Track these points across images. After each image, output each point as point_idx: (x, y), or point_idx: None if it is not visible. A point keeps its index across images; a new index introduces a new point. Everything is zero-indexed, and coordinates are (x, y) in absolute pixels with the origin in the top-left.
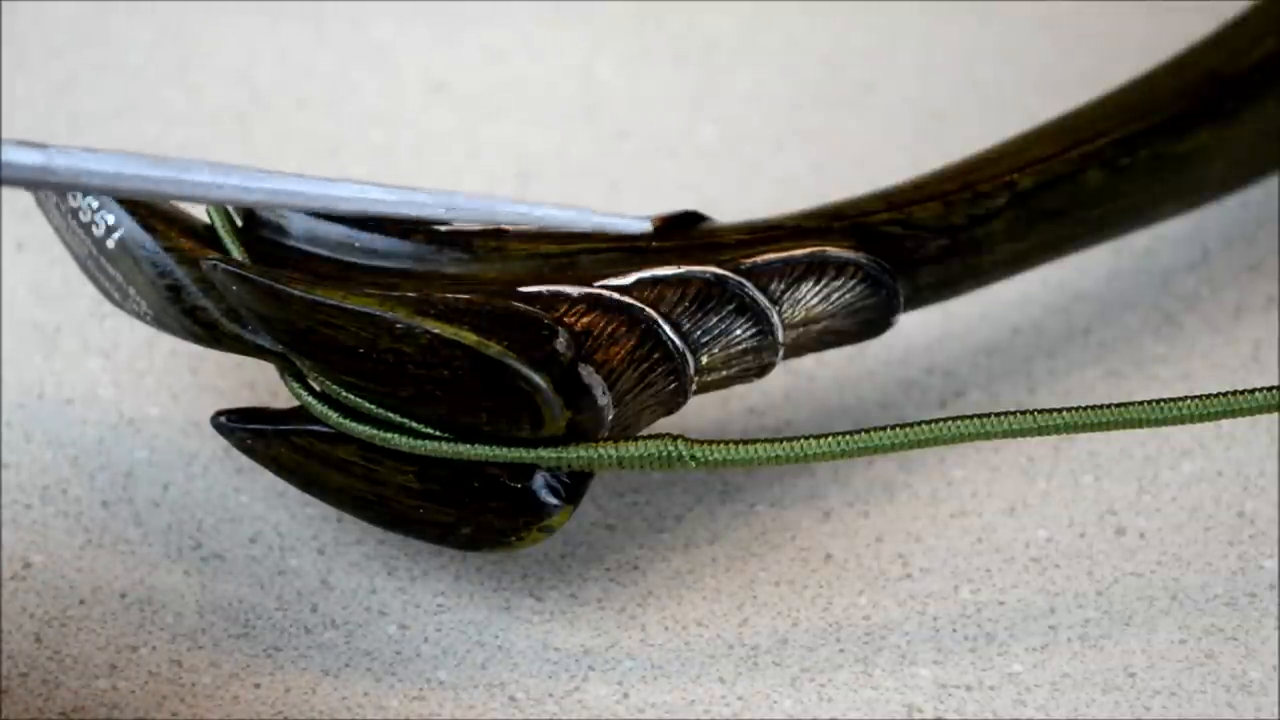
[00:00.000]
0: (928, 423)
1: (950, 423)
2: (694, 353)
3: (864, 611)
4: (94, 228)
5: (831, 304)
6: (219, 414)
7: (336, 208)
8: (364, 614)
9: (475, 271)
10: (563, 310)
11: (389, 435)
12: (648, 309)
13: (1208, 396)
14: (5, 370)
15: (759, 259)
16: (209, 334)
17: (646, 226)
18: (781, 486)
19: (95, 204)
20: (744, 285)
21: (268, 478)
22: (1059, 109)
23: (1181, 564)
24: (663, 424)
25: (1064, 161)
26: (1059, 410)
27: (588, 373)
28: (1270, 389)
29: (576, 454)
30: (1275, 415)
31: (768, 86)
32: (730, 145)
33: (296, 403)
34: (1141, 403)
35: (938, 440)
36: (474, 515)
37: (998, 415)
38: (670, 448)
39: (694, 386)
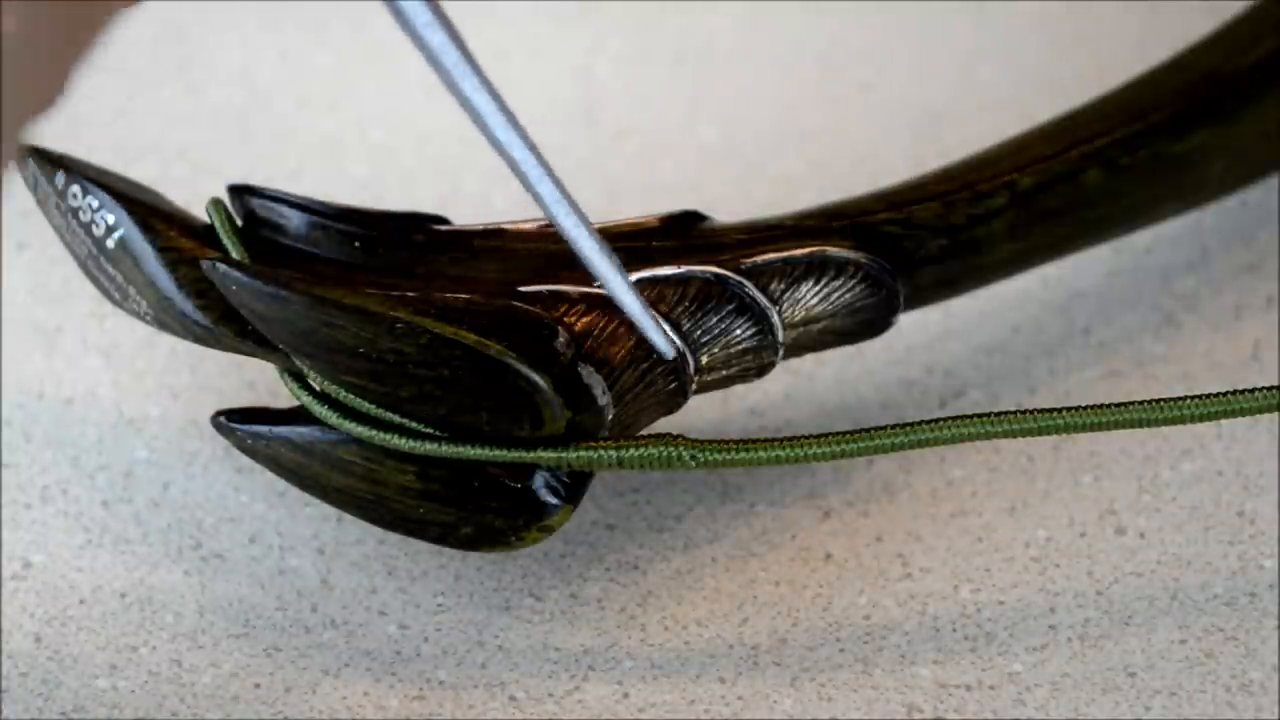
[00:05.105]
0: (928, 423)
1: (950, 423)
2: (694, 352)
3: (864, 611)
4: (94, 228)
5: (831, 304)
6: (219, 414)
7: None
8: (364, 614)
9: (475, 271)
10: (563, 310)
11: (389, 435)
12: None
13: (1208, 396)
14: (5, 370)
15: (759, 259)
16: (209, 334)
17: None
18: (781, 486)
19: (95, 204)
20: (744, 285)
21: (268, 478)
22: (1059, 109)
23: (1181, 564)
24: (663, 424)
25: (1064, 161)
26: (1059, 410)
27: (588, 372)
28: (1270, 389)
29: (576, 454)
30: (1275, 415)
31: (768, 86)
32: (730, 145)
33: (296, 403)
34: (1141, 403)
35: (938, 440)
36: (474, 515)
37: (998, 415)
38: (670, 448)
39: (694, 386)
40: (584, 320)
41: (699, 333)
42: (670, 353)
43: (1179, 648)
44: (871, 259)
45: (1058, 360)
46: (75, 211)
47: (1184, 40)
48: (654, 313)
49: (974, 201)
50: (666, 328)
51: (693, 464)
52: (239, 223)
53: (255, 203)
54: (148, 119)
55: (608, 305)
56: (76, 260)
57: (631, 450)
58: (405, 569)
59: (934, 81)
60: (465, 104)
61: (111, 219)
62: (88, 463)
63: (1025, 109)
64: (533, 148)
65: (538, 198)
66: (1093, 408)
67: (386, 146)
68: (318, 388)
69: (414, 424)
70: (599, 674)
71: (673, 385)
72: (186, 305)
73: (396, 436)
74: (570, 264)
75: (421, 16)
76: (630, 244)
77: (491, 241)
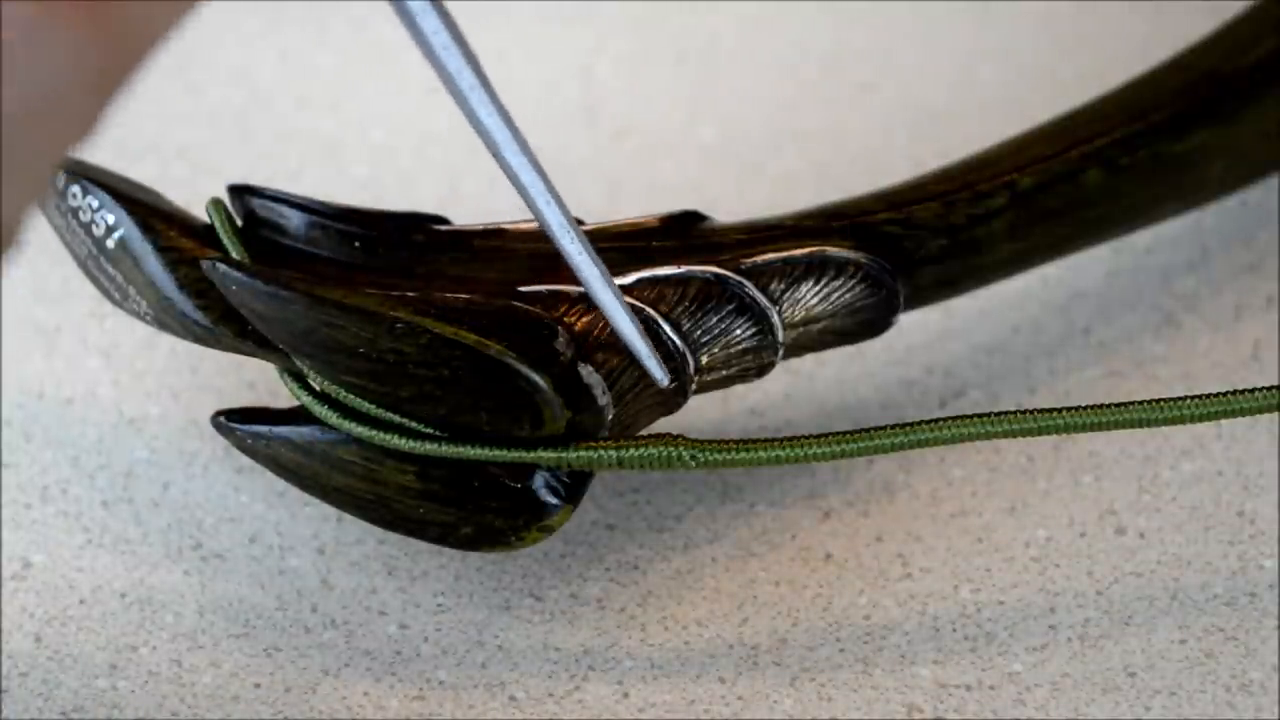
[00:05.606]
0: (928, 423)
1: (950, 423)
2: (694, 352)
3: (864, 611)
4: (94, 228)
5: (831, 304)
6: (219, 414)
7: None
8: (364, 614)
9: (475, 271)
10: (563, 310)
11: (389, 435)
12: (648, 308)
13: (1208, 396)
14: (5, 370)
15: (759, 259)
16: (209, 334)
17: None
18: (781, 486)
19: (95, 204)
20: (744, 285)
21: (268, 478)
22: (1059, 109)
23: (1181, 564)
24: (663, 424)
25: (1064, 161)
26: (1059, 410)
27: (587, 372)
28: (1270, 389)
29: (576, 454)
30: (1275, 415)
31: (768, 86)
32: (730, 145)
33: (296, 403)
34: (1141, 403)
35: (938, 440)
36: (474, 515)
37: (998, 415)
38: (670, 448)
39: (694, 386)
40: (584, 320)
41: (699, 333)
42: (665, 380)
43: (1179, 648)
44: (871, 259)
45: (1058, 360)
46: (75, 211)
47: (1184, 40)
48: (649, 342)
49: (974, 201)
50: (669, 330)
51: (693, 464)
52: (239, 223)
53: (255, 203)
54: (148, 119)
55: None
56: (76, 260)
57: (631, 450)
58: (405, 569)
59: (935, 81)
60: (477, 128)
61: (111, 219)
62: (88, 463)
63: (1026, 109)
64: (541, 173)
65: (539, 217)
66: (1093, 408)
67: (386, 146)
68: (318, 388)
69: (414, 424)
70: (599, 674)
71: (673, 385)
72: (186, 305)
73: (396, 436)
74: None
75: (439, 38)
76: (630, 244)
77: (491, 241)
